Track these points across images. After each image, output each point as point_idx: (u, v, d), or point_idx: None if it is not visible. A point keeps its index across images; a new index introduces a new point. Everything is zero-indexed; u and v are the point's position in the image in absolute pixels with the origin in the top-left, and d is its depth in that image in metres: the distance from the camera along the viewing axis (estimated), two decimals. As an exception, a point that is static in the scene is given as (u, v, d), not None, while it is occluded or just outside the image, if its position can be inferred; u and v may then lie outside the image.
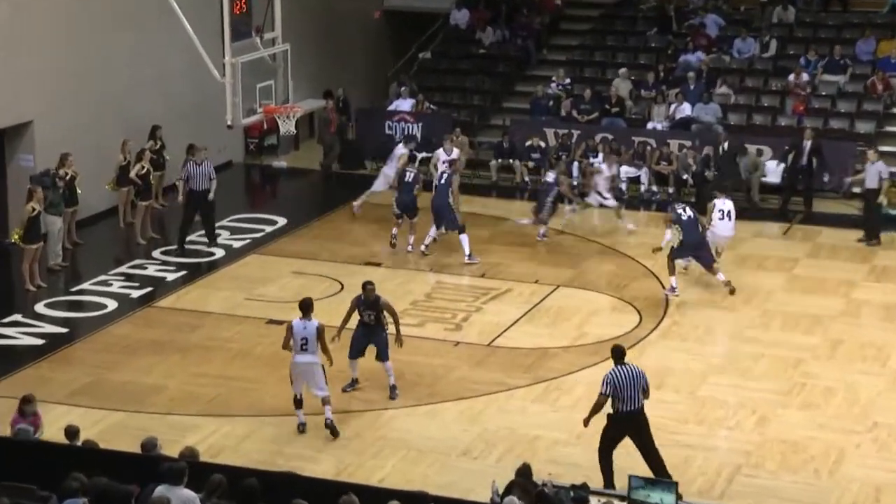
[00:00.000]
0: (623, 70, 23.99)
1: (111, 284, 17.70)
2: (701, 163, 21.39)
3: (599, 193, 20.07)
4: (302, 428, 13.07)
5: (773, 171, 21.51)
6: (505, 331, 15.92)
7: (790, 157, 20.97)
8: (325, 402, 12.99)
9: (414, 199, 18.67)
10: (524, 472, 10.12)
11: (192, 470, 9.40)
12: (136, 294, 17.42)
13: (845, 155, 21.35)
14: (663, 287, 17.25)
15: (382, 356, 13.98)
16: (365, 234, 19.80)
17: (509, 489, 10.03)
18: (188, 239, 19.12)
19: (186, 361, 15.00)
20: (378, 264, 18.36)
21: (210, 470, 9.61)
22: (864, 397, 13.88)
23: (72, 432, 10.91)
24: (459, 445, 12.81)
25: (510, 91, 25.58)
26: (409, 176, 18.82)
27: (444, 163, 19.48)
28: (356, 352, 14.00)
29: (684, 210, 17.08)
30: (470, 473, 12.11)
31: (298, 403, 13.06)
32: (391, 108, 24.49)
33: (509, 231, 20.16)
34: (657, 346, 15.43)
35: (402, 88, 24.65)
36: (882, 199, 19.28)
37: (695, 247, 16.98)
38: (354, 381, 14.13)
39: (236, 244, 19.52)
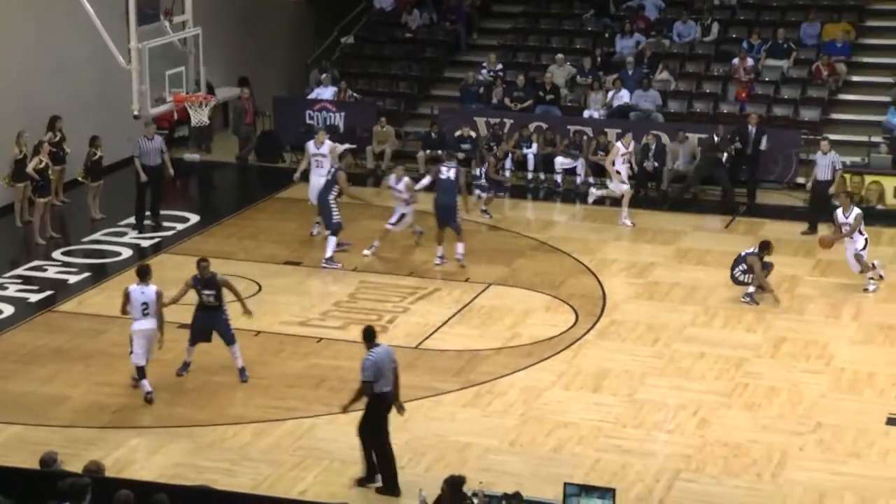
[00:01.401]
0: (559, 56, 24.21)
1: (7, 288, 17.51)
2: (640, 153, 21.71)
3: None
4: (149, 397, 13.86)
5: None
6: (433, 332, 16.02)
7: (733, 146, 21.25)
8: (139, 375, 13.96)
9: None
10: (452, 482, 10.21)
11: (96, 486, 9.37)
12: (34, 298, 17.24)
13: (790, 144, 21.78)
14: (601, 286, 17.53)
15: (227, 340, 14.38)
16: (284, 232, 19.78)
17: (438, 501, 10.14)
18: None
19: (91, 370, 14.89)
20: (298, 263, 18.38)
21: (116, 485, 9.57)
22: (808, 397, 14.18)
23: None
24: (385, 455, 12.89)
25: (438, 78, 25.70)
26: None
27: (313, 156, 19.26)
28: (195, 335, 14.42)
29: (448, 169, 18.03)
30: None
31: (143, 373, 13.90)
32: (312, 96, 24.48)
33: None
34: (594, 346, 15.63)
35: (324, 75, 24.65)
36: (832, 191, 19.54)
37: (442, 208, 17.94)
38: (186, 365, 14.52)
39: (145, 243, 19.44)
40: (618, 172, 19.98)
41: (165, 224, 20.10)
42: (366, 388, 11.94)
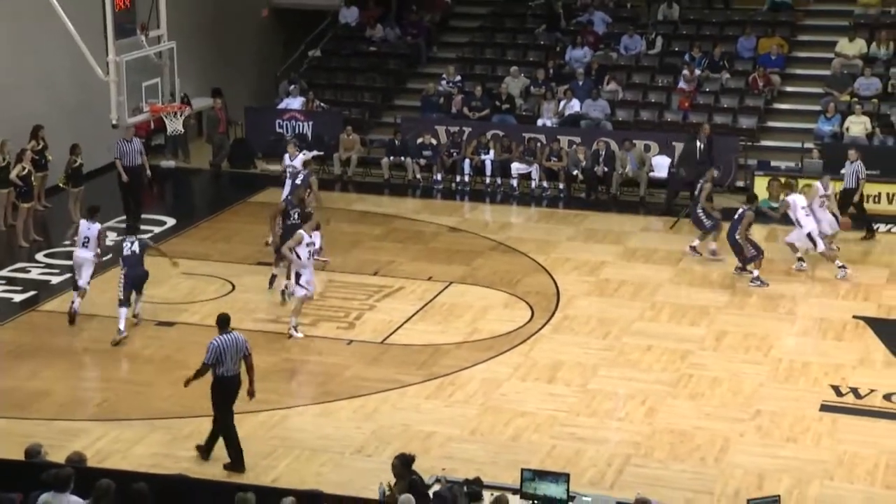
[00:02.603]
0: (514, 69, 24.24)
1: (-7, 289, 17.37)
2: (591, 159, 21.78)
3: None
4: (73, 314, 15.64)
5: (661, 167, 21.92)
6: (398, 328, 15.97)
7: (680, 152, 21.30)
8: (81, 294, 15.69)
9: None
10: (403, 459, 10.23)
11: (79, 475, 9.27)
12: (18, 298, 17.07)
13: (729, 149, 21.93)
14: (559, 287, 17.52)
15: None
16: (256, 235, 19.63)
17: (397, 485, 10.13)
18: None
19: (73, 365, 14.76)
20: (270, 263, 18.23)
21: (98, 475, 9.48)
22: (748, 386, 14.27)
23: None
24: (353, 443, 12.84)
25: (401, 89, 25.66)
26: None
27: (288, 167, 19.05)
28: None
29: (130, 244, 15.49)
30: (364, 472, 12.13)
31: (76, 286, 15.76)
32: (281, 106, 24.39)
33: (402, 229, 20.24)
34: (549, 340, 15.64)
35: (292, 87, 24.56)
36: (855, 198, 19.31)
37: (139, 277, 15.58)
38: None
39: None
40: (832, 214, 18.38)
41: (144, 227, 19.90)
42: (202, 369, 12.07)
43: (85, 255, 15.69)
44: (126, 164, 19.82)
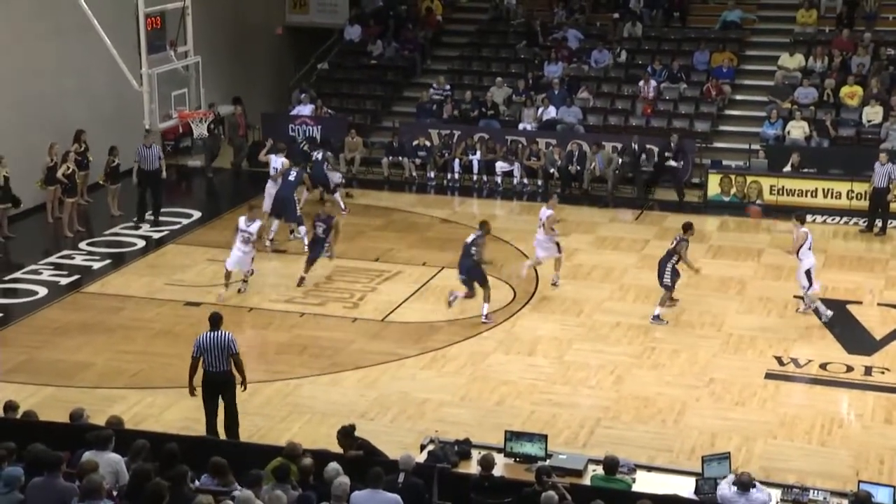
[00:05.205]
0: (498, 79, 24.20)
1: (41, 273, 17.29)
2: (565, 158, 21.75)
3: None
4: None
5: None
6: (397, 308, 15.96)
7: (656, 153, 21.30)
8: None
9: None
10: (343, 431, 10.27)
11: (117, 436, 9.28)
12: (64, 281, 17.03)
13: (687, 151, 21.90)
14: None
15: None
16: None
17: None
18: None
19: (112, 340, 14.73)
20: (284, 251, 18.26)
21: (134, 436, 9.49)
22: (703, 358, 14.30)
23: (10, 406, 10.62)
24: (358, 409, 12.84)
25: (398, 97, 25.58)
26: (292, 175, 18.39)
27: (273, 168, 18.87)
28: None
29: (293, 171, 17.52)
30: (367, 433, 11.98)
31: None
32: (293, 112, 24.30)
33: (400, 220, 20.22)
34: (529, 317, 15.65)
35: (303, 95, 24.49)
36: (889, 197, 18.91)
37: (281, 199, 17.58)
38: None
39: (156, 235, 19.23)
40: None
41: (172, 219, 19.90)
42: (191, 363, 11.54)
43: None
44: (145, 168, 19.43)
